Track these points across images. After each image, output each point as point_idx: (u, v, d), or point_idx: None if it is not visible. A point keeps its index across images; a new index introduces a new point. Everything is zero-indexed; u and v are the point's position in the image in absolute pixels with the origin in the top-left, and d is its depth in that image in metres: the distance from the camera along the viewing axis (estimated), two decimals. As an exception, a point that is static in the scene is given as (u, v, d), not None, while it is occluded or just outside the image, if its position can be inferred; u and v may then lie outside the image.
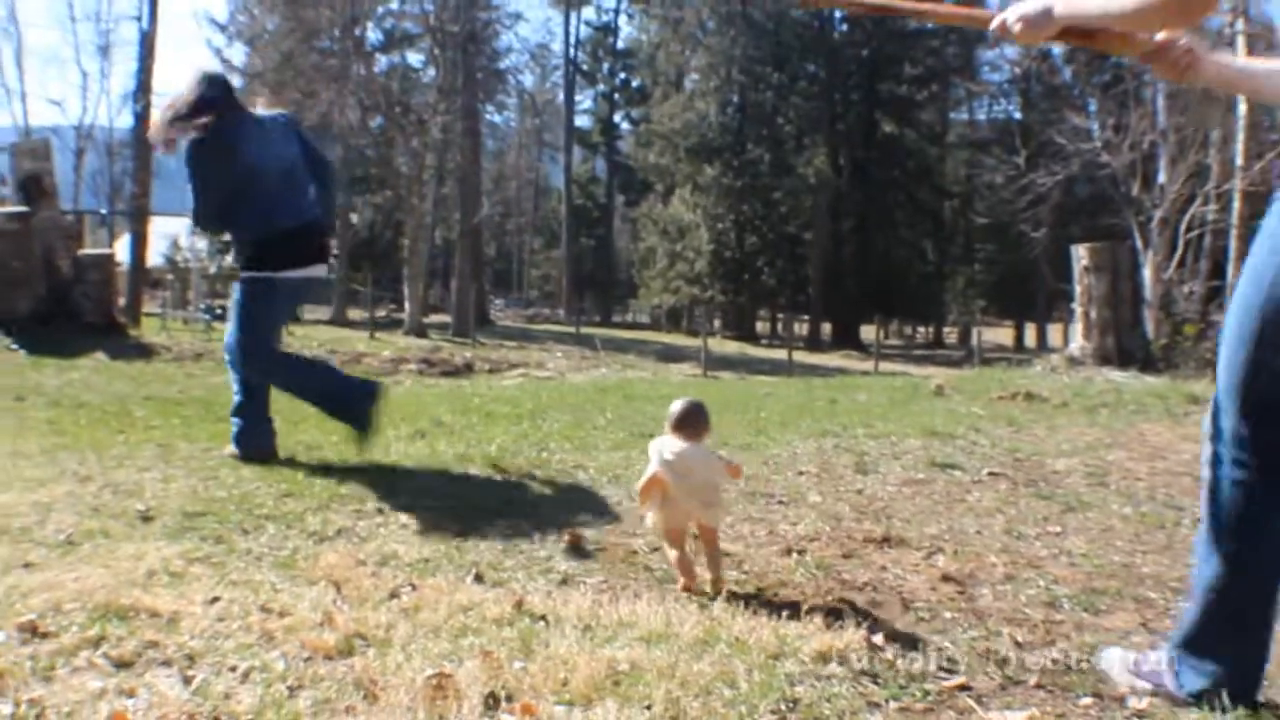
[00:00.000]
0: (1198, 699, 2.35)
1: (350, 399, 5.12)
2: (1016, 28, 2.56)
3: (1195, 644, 2.40)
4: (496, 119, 56.64)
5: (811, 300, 46.90)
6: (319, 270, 5.25)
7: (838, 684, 2.38)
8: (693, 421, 3.10)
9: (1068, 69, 43.57)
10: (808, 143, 47.75)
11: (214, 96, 4.89)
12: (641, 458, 5.14)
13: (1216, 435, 2.36)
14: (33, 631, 2.55)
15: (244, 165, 4.92)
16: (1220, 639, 2.37)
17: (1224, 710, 2.30)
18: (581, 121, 60.92)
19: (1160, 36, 2.53)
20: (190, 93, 4.88)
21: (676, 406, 3.13)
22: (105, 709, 2.15)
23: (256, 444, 5.03)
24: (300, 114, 35.66)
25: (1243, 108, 20.25)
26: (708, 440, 3.16)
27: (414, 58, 44.21)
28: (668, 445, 3.07)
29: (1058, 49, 42.57)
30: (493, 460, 4.99)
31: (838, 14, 47.19)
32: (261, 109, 5.57)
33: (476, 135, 39.98)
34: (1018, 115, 49.20)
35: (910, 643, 2.68)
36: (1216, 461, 2.35)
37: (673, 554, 3.10)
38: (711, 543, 3.12)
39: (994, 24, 2.64)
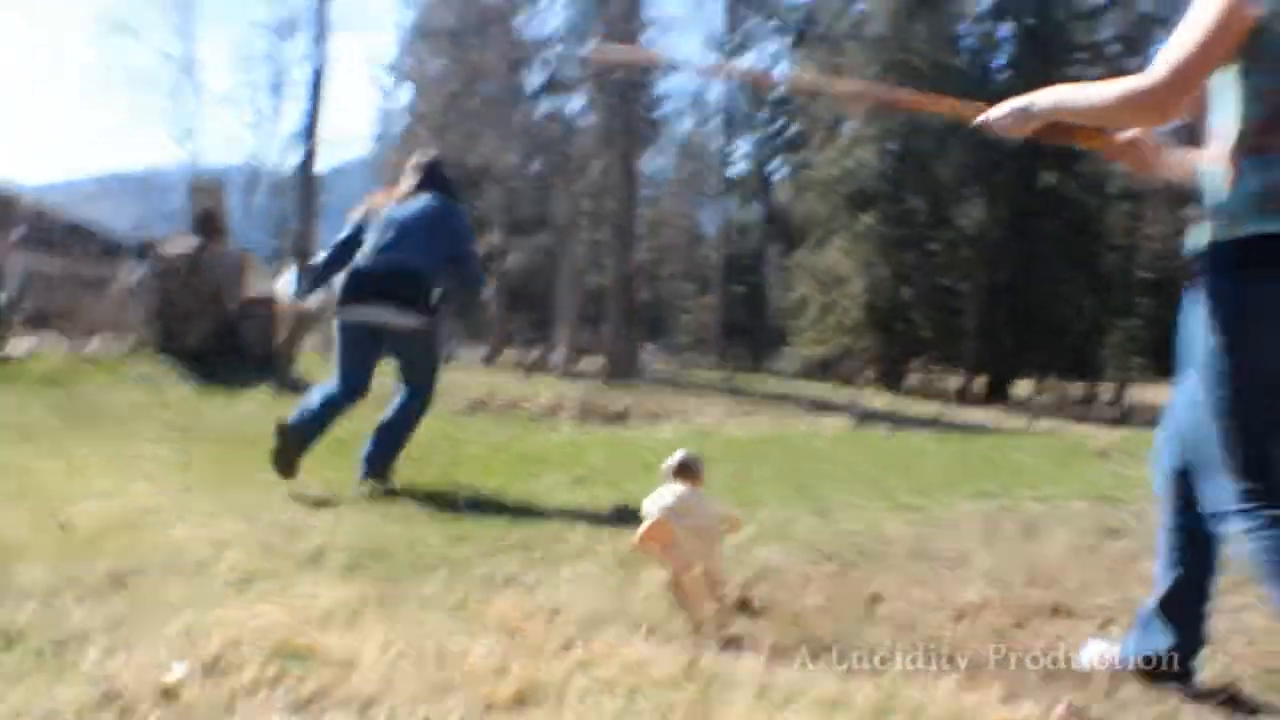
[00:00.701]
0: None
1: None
2: (1001, 123, 2.91)
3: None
4: (653, 166, 57.17)
5: (965, 353, 46.04)
6: (382, 314, 5.60)
7: (1016, 759, 2.35)
8: (691, 469, 3.27)
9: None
10: (966, 193, 47.05)
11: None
12: (806, 515, 5.17)
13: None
14: (213, 668, 2.63)
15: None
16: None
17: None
18: (736, 168, 61.02)
19: (1128, 135, 2.89)
20: None
21: (675, 456, 3.30)
22: (288, 749, 2.22)
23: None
24: (463, 155, 36.59)
25: None
26: (702, 489, 3.28)
27: (574, 104, 44.97)
28: (667, 490, 3.17)
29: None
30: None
31: (998, 61, 46.65)
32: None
33: (633, 181, 40.35)
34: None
35: (1091, 718, 2.63)
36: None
37: (683, 597, 3.17)
38: (716, 585, 3.20)
39: (979, 118, 2.99)
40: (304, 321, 17.42)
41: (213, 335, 14.36)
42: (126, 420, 8.64)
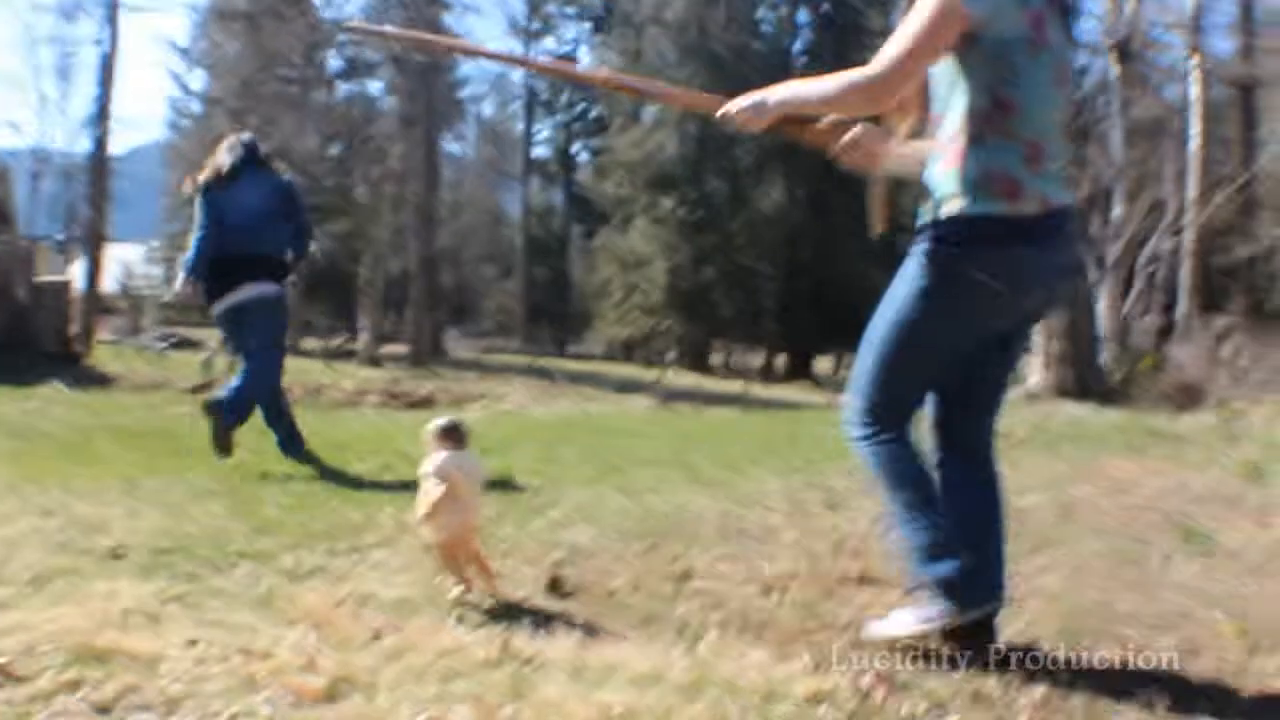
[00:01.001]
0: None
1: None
2: (740, 115, 3.03)
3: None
4: (454, 149, 56.61)
5: (767, 332, 47.01)
6: (250, 291, 6.17)
7: (828, 727, 2.37)
8: (456, 433, 3.30)
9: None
10: (766, 175, 47.98)
11: None
12: (614, 494, 5.16)
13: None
14: (7, 675, 2.48)
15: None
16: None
17: None
18: (539, 151, 60.90)
19: (854, 131, 3.07)
20: None
21: (438, 422, 3.36)
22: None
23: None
24: (260, 140, 35.62)
25: (1194, 144, 20.62)
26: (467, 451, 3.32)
27: (374, 86, 44.23)
28: (440, 458, 3.22)
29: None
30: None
31: (797, 46, 47.76)
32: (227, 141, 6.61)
33: (435, 164, 39.92)
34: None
35: (899, 685, 2.66)
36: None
37: (452, 562, 3.21)
38: (477, 547, 3.25)
39: (719, 111, 3.14)
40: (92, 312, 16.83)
41: (2, 328, 13.65)
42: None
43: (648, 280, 46.55)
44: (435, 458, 3.22)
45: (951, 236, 2.79)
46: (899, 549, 3.01)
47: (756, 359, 46.23)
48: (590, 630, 3.00)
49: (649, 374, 29.36)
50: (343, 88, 43.03)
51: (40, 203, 44.96)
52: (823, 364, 45.86)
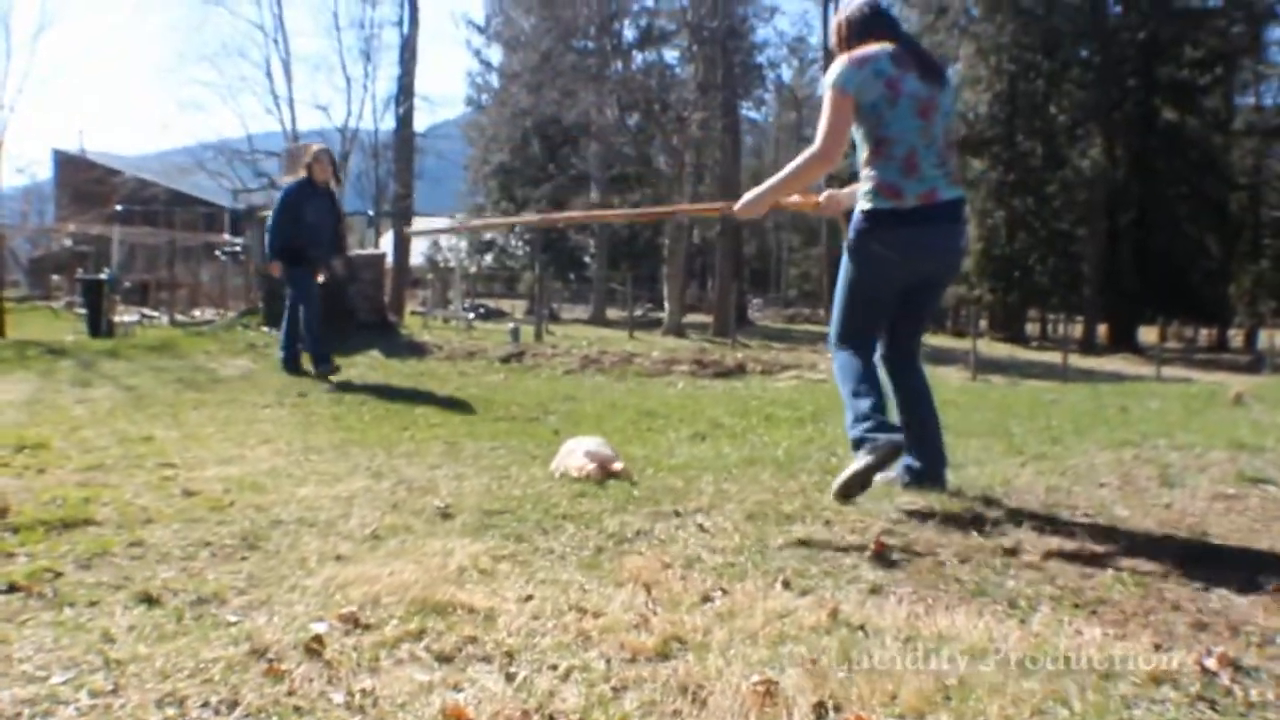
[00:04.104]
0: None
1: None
2: (742, 212, 4.46)
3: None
4: (755, 115, 56.56)
5: (1085, 300, 44.89)
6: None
7: (1174, 709, 2.26)
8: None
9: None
10: (1081, 133, 45.68)
11: None
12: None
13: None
14: (355, 623, 2.67)
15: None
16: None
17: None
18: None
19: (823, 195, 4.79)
20: None
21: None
22: (436, 702, 2.23)
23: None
24: (560, 113, 36.56)
25: None
26: None
27: (671, 55, 44.60)
28: None
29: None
30: (780, 464, 4.96)
31: (1113, -2, 45.33)
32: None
33: (735, 131, 39.94)
34: (1312, 98, 45.99)
35: (1245, 668, 2.51)
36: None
37: None
38: None
39: (724, 210, 4.64)
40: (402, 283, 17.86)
41: (322, 300, 14.58)
42: (239, 387, 8.84)
43: (958, 246, 45.36)
44: None
45: (861, 224, 4.20)
46: (848, 421, 4.19)
47: (1075, 329, 44.22)
48: (919, 600, 2.95)
49: (961, 344, 28.64)
50: (639, 57, 43.54)
51: (349, 181, 47.90)
52: (1148, 334, 43.38)
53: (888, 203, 4.12)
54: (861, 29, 4.27)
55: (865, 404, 4.14)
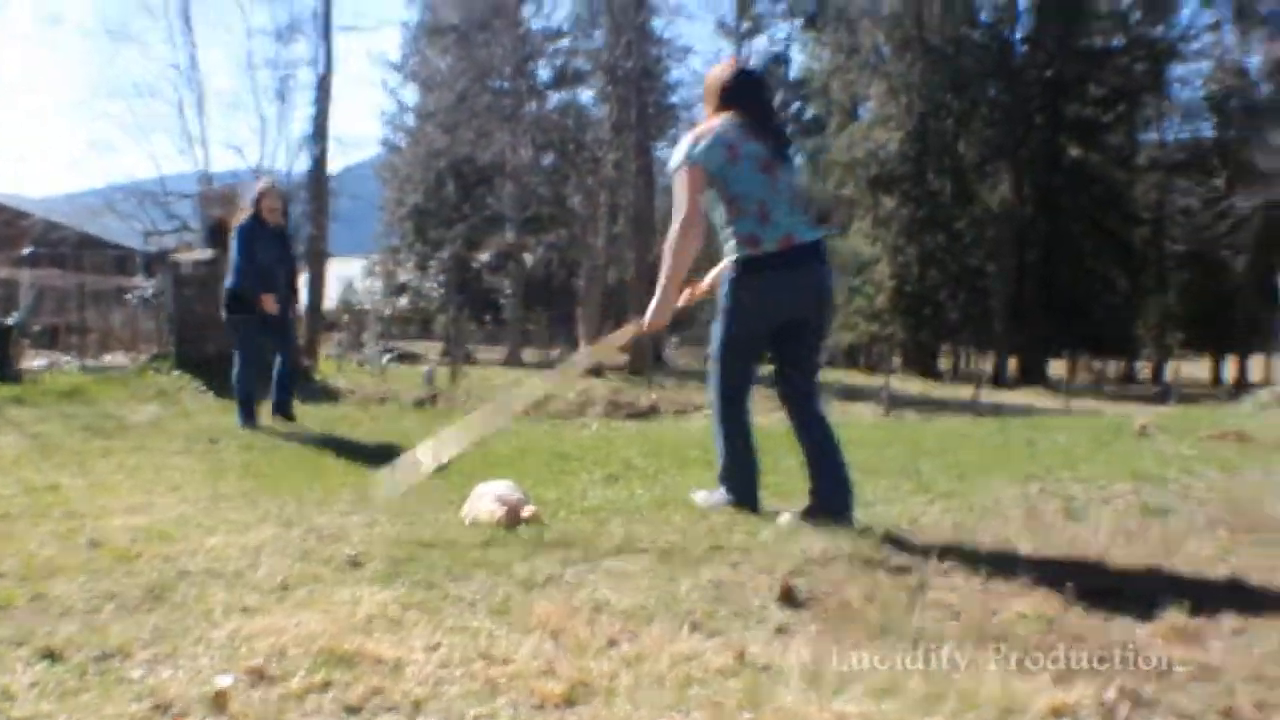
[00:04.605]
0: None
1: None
2: (657, 319, 4.76)
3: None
4: (668, 153, 56.96)
5: (996, 335, 45.71)
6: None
7: (1073, 743, 2.32)
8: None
9: (1265, 84, 41.67)
10: (990, 170, 46.71)
11: None
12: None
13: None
14: (260, 676, 2.63)
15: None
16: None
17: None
18: (754, 155, 60.67)
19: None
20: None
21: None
22: (342, 755, 2.21)
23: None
24: (474, 153, 36.52)
25: None
26: None
27: (586, 95, 44.85)
28: None
29: (1254, 62, 40.93)
30: (691, 505, 4.98)
31: (1017, 35, 46.46)
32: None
33: (649, 171, 40.17)
34: (1211, 134, 47.36)
35: (1144, 700, 2.58)
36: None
37: None
38: None
39: (639, 331, 5.00)
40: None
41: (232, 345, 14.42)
42: (148, 434, 8.68)
43: (871, 284, 45.94)
44: None
45: (729, 275, 4.64)
46: (719, 459, 4.84)
47: (986, 363, 44.95)
48: (825, 639, 2.98)
49: (873, 381, 28.97)
50: (554, 97, 43.72)
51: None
52: (1058, 367, 44.23)
53: (749, 251, 4.56)
54: (726, 95, 4.73)
55: (735, 459, 4.82)
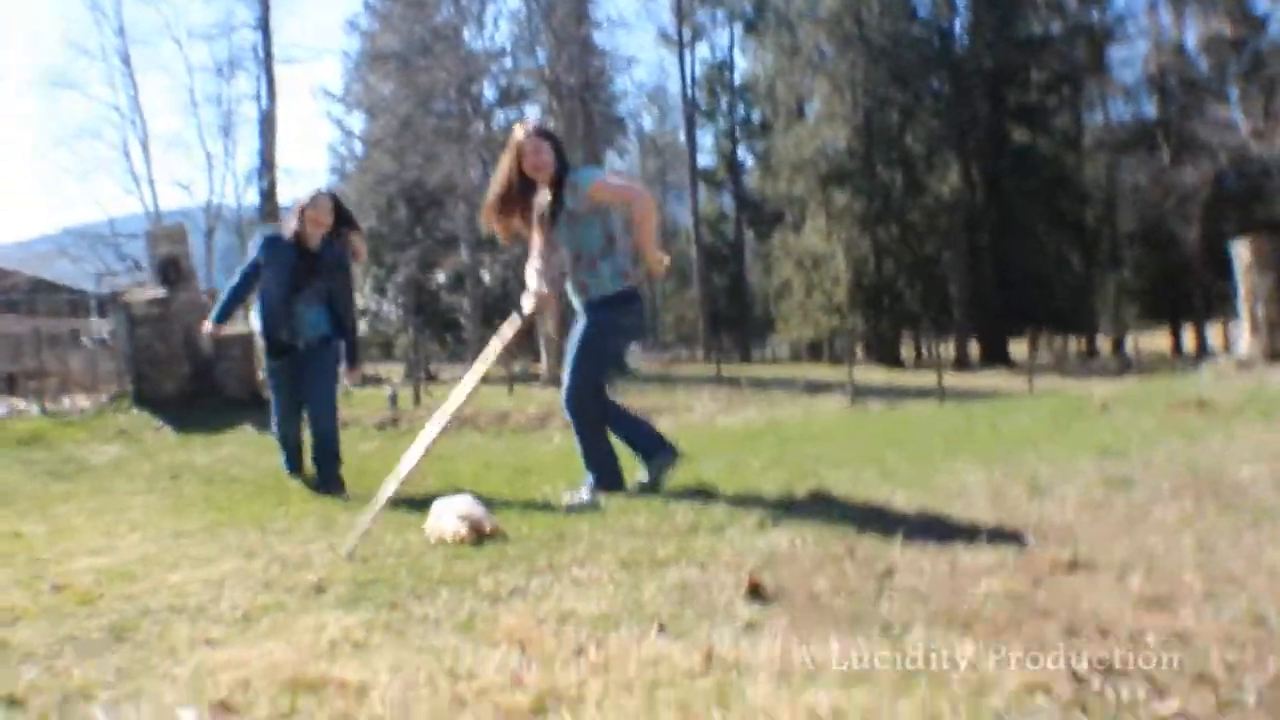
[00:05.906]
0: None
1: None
2: (541, 305, 5.53)
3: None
4: (619, 165, 57.06)
5: (955, 321, 46.04)
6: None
7: (1046, 717, 2.30)
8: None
9: (1203, 60, 42.28)
10: (938, 160, 47.07)
11: None
12: (808, 498, 5.12)
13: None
14: (225, 709, 2.60)
15: None
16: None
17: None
18: (704, 160, 60.88)
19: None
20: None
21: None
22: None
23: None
24: (423, 176, 36.39)
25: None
26: None
27: (532, 111, 44.80)
28: None
29: (1191, 42, 41.56)
30: (654, 509, 4.96)
31: (958, 27, 46.86)
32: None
33: (599, 183, 40.07)
34: (1154, 113, 47.97)
35: (1116, 669, 2.57)
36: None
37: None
38: None
39: (659, 269, 5.66)
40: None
41: (189, 380, 14.32)
42: (109, 475, 8.61)
43: (828, 278, 46.14)
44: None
45: (615, 302, 5.50)
46: (582, 458, 5.67)
47: (948, 349, 45.19)
48: (794, 633, 2.96)
49: (837, 373, 29.03)
50: (500, 115, 43.63)
51: (216, 257, 46.92)
52: (1019, 347, 44.47)
53: (627, 284, 5.52)
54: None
55: (598, 455, 5.65)
